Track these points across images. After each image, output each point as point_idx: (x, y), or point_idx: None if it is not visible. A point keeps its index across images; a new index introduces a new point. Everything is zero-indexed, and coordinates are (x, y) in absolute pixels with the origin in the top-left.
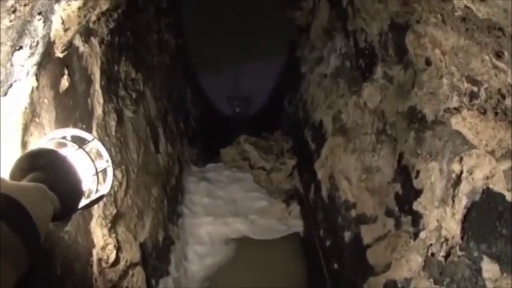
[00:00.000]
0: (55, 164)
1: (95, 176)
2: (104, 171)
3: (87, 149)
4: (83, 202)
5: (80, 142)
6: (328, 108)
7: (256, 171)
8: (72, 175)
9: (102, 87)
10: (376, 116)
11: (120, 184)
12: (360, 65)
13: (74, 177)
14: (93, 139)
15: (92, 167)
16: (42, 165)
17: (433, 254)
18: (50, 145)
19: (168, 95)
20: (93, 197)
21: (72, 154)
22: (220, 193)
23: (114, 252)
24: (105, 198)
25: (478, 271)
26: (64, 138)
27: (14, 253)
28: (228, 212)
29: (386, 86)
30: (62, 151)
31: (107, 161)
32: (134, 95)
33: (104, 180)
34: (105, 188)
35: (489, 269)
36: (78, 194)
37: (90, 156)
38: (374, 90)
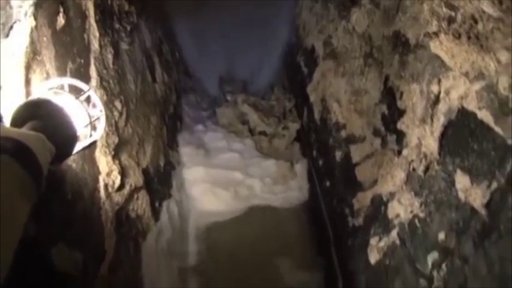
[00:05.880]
0: (53, 114)
1: (89, 125)
2: (98, 119)
3: (83, 99)
4: (77, 147)
5: (77, 92)
6: (319, 33)
7: (257, 137)
8: (68, 125)
9: (97, 21)
10: (364, 40)
11: (121, 114)
12: None
13: (70, 128)
14: (88, 89)
15: (87, 117)
16: (41, 115)
17: (414, 169)
18: (48, 94)
19: (162, 26)
20: (86, 142)
21: (68, 104)
22: (218, 162)
23: (119, 177)
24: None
25: (452, 183)
26: (62, 87)
27: (27, 188)
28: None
29: (373, 11)
30: (60, 101)
31: (101, 111)
32: (129, 28)
33: (97, 126)
34: (97, 134)
35: (461, 180)
36: (73, 142)
37: (85, 107)
38: (362, 15)
